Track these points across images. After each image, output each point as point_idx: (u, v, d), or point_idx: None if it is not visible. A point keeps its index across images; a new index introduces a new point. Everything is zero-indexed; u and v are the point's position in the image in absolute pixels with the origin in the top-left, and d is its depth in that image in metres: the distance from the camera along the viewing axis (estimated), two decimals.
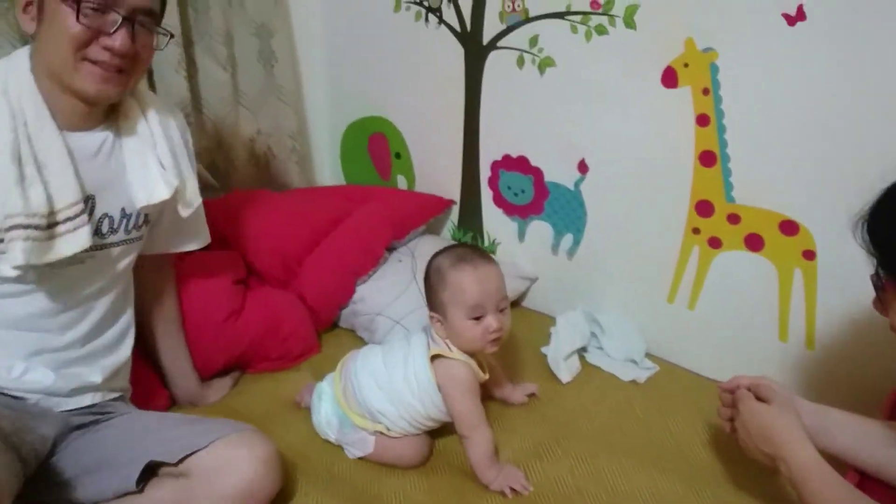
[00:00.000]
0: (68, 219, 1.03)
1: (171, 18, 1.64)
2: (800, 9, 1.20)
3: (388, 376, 1.22)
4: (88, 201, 1.08)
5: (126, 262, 1.19)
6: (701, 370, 1.52)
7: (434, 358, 1.20)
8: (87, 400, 1.15)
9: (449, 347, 1.20)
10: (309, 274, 1.66)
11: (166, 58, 1.67)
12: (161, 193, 1.13)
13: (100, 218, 1.11)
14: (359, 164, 2.14)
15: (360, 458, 1.25)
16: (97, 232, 1.11)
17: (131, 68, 1.05)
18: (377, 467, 1.23)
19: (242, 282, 1.57)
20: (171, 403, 1.39)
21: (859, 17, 1.15)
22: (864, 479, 0.98)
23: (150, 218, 1.21)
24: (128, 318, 1.24)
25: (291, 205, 1.77)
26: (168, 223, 1.25)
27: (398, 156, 2.01)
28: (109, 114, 1.12)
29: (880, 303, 0.87)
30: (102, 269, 1.15)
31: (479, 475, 1.18)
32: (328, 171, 2.22)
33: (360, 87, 2.03)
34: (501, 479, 1.18)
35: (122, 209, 1.14)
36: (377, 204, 1.83)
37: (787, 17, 1.21)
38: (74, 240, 1.03)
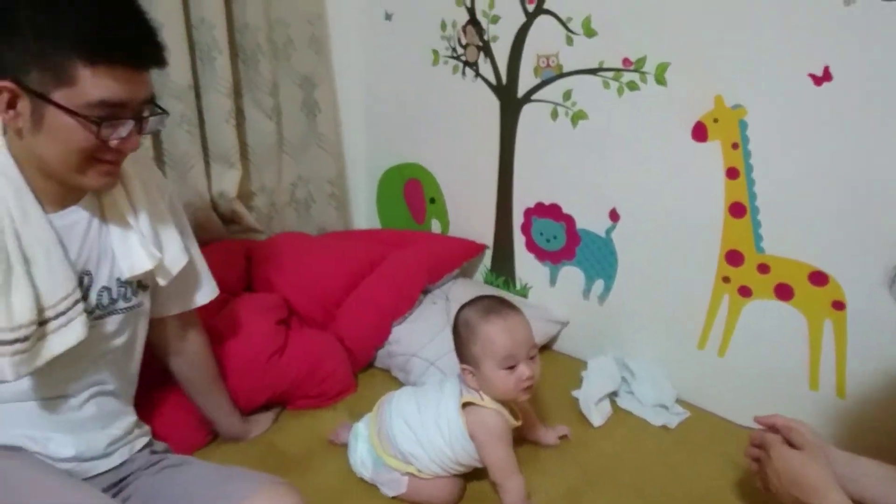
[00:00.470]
0: (60, 314, 0.99)
1: (223, 72, 1.75)
2: (826, 70, 1.25)
3: (419, 420, 1.26)
4: (84, 278, 1.06)
5: (130, 330, 1.16)
6: (731, 416, 1.54)
7: (465, 405, 1.24)
8: (116, 459, 1.13)
9: (481, 396, 1.24)
10: (346, 316, 1.72)
11: (218, 109, 1.77)
12: (143, 264, 1.09)
13: (99, 291, 1.09)
14: (394, 209, 2.21)
15: (395, 498, 1.28)
16: (98, 305, 1.09)
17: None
18: None
19: (284, 322, 1.63)
20: (212, 437, 1.44)
21: (884, 79, 1.20)
22: None
23: (147, 282, 1.16)
24: (135, 378, 1.23)
25: (330, 249, 1.85)
26: (168, 286, 1.18)
27: (433, 201, 2.08)
28: None
29: None
30: (104, 339, 1.12)
31: None
32: (365, 214, 2.30)
33: (397, 135, 2.12)
34: None
35: (118, 279, 1.11)
36: (413, 248, 1.90)
37: (813, 77, 1.27)
38: (67, 334, 1.00)
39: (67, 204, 1.03)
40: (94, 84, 0.89)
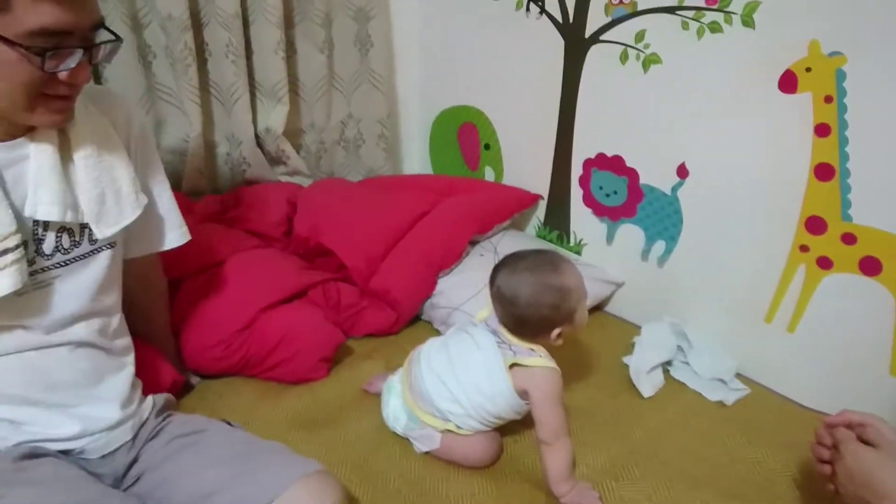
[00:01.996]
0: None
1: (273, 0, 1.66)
2: None
3: (454, 376, 1.20)
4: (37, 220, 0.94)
5: (102, 272, 1.03)
6: (797, 397, 1.42)
7: (512, 366, 1.17)
8: (128, 433, 1.04)
9: (537, 353, 1.17)
10: (393, 266, 1.64)
11: (267, 39, 1.70)
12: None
13: (57, 233, 0.97)
14: (447, 154, 2.11)
15: (427, 454, 1.23)
16: (59, 249, 0.97)
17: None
18: (447, 467, 1.21)
19: (280, 301, 1.47)
20: (179, 379, 1.32)
21: None
22: None
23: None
24: (122, 327, 1.11)
25: (377, 199, 1.77)
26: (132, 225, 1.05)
27: (487, 147, 1.97)
28: None
29: None
30: (74, 286, 1.00)
31: (553, 486, 1.14)
32: (416, 158, 2.21)
33: (453, 76, 2.00)
34: (574, 495, 1.13)
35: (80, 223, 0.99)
36: (462, 197, 1.81)
37: None
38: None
39: (17, 134, 0.92)
40: (32, 9, 0.78)
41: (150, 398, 1.12)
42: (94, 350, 1.03)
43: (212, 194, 1.79)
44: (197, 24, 1.62)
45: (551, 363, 1.17)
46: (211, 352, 1.38)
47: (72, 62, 0.84)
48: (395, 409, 1.26)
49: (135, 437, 1.05)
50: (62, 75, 0.85)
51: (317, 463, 1.01)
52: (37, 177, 0.92)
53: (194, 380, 1.40)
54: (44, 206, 0.92)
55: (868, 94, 1.20)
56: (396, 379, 1.29)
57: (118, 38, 0.90)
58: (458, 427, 1.20)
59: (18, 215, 0.91)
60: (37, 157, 0.92)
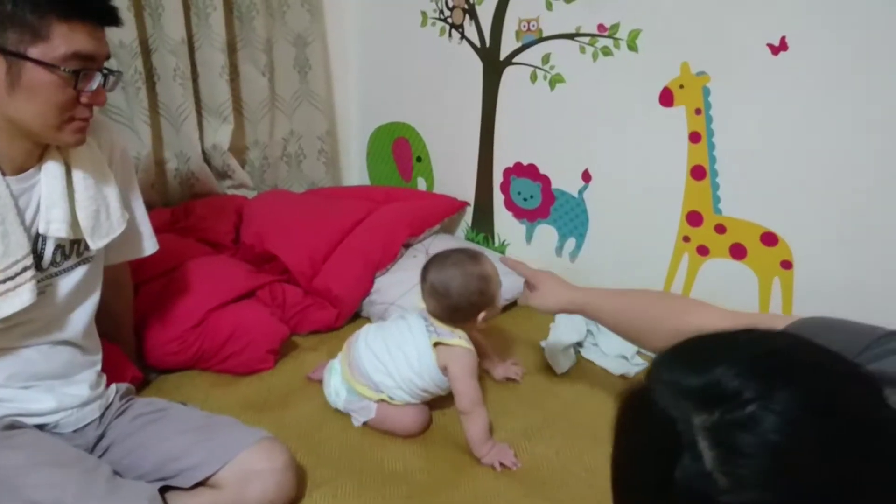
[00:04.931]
0: (8, 279, 1.01)
1: (218, 28, 1.82)
2: (783, 40, 1.32)
3: (388, 354, 1.37)
4: (39, 239, 1.08)
5: (86, 282, 1.18)
6: None
7: (437, 345, 1.34)
8: (96, 411, 1.17)
9: (457, 336, 1.35)
10: (334, 267, 1.81)
11: (212, 64, 1.84)
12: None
13: (54, 250, 1.11)
14: (383, 166, 2.29)
15: (365, 425, 1.39)
16: (53, 262, 1.11)
17: None
18: (382, 437, 1.37)
19: (234, 299, 1.62)
20: (138, 376, 1.43)
21: (836, 50, 1.26)
22: None
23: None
24: (93, 329, 1.24)
25: (319, 206, 1.94)
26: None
27: (419, 159, 2.16)
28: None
29: None
30: (61, 295, 1.14)
31: (474, 448, 1.31)
32: (355, 171, 2.38)
33: (387, 95, 2.19)
34: (493, 455, 1.31)
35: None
36: (397, 204, 1.99)
37: (771, 47, 1.33)
38: (14, 298, 1.02)
39: (27, 167, 1.05)
40: (68, 38, 0.95)
41: (113, 385, 1.26)
42: (71, 347, 1.17)
43: (162, 207, 1.92)
44: (146, 51, 1.77)
45: (469, 345, 1.35)
46: (168, 346, 1.51)
47: (94, 84, 1.00)
48: (335, 387, 1.42)
49: (102, 416, 1.19)
50: (85, 97, 1.00)
51: (266, 431, 1.17)
52: (48, 199, 1.06)
53: (152, 377, 1.53)
54: (55, 224, 1.07)
55: (728, 107, 1.43)
56: (337, 361, 1.45)
57: (120, 72, 1.07)
58: (391, 398, 1.37)
59: (27, 236, 1.04)
60: (47, 181, 1.06)
